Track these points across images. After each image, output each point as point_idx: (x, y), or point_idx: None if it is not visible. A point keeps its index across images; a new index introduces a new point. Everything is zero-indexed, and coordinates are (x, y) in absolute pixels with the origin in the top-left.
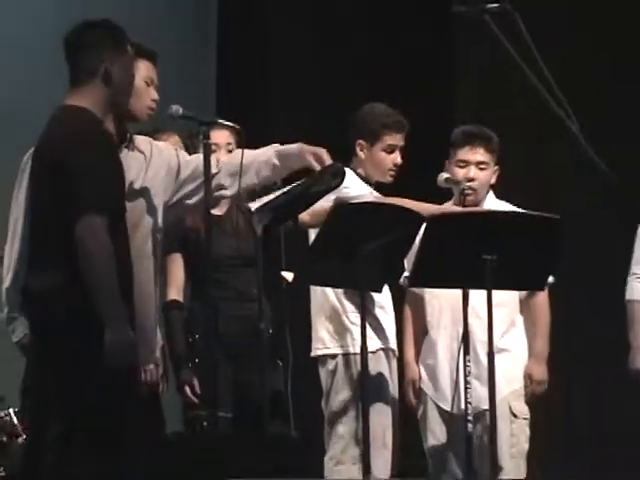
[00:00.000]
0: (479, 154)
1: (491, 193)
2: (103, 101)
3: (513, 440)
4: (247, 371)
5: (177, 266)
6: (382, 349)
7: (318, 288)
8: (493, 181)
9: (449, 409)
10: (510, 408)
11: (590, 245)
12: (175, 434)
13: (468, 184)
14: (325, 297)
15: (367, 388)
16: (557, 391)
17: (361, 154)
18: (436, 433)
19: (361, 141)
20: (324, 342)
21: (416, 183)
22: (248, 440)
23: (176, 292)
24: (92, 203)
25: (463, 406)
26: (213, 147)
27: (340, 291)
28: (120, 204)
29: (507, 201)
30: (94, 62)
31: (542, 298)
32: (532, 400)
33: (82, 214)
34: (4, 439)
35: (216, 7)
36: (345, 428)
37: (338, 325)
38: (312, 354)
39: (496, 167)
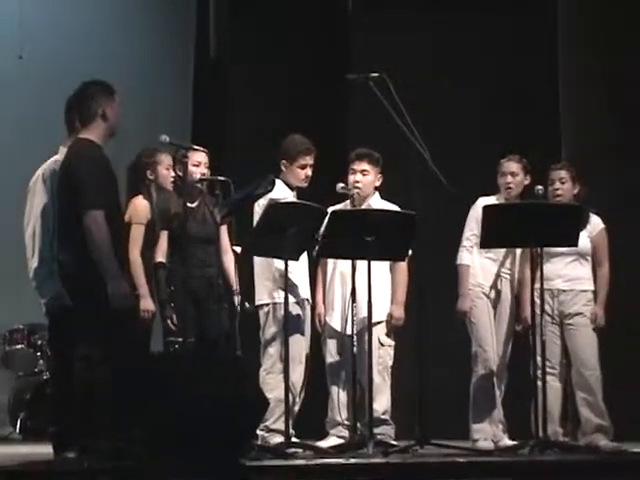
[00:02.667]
0: (363, 165)
1: (377, 194)
2: (102, 133)
3: (380, 360)
4: (206, 312)
5: (164, 239)
6: (300, 300)
7: (258, 258)
8: (377, 184)
9: (339, 329)
10: (379, 339)
11: (435, 230)
12: (158, 352)
13: (355, 190)
14: (264, 264)
15: (288, 326)
16: (411, 325)
17: (284, 169)
18: (332, 352)
19: (284, 161)
20: (262, 294)
21: (323, 189)
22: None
23: (162, 257)
24: (93, 202)
25: (348, 329)
26: (196, 163)
27: (272, 260)
28: (113, 201)
29: (388, 200)
30: (95, 108)
31: (402, 265)
32: (394, 331)
33: (87, 210)
34: None
35: (193, 58)
36: (274, 350)
37: (271, 283)
38: (255, 303)
39: (379, 175)
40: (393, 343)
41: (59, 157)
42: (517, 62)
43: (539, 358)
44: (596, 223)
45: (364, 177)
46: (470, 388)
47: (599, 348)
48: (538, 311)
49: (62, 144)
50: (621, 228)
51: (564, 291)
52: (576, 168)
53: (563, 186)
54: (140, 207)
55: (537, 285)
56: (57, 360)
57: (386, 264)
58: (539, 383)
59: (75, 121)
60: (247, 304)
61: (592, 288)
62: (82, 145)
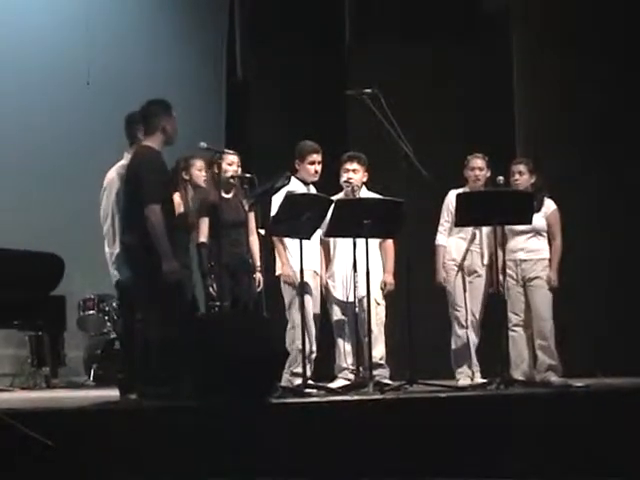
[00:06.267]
0: (353, 165)
1: (364, 187)
2: (161, 142)
3: (377, 316)
4: (239, 282)
5: (205, 224)
6: (309, 270)
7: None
8: (364, 180)
9: (341, 298)
10: (375, 300)
11: (417, 215)
12: (201, 314)
13: (353, 183)
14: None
15: (303, 291)
16: (401, 291)
17: (298, 167)
18: (336, 312)
19: (297, 160)
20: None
21: (330, 183)
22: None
23: (203, 238)
24: (152, 196)
25: (350, 297)
26: (230, 163)
27: (288, 239)
28: (168, 195)
29: (375, 192)
30: (157, 122)
31: (389, 242)
32: (387, 294)
33: (147, 203)
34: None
35: (225, 80)
36: (293, 310)
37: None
38: (276, 273)
39: (365, 172)
40: (385, 303)
41: (125, 162)
42: (478, 77)
43: (510, 314)
44: (549, 205)
45: (355, 175)
46: (451, 341)
47: (553, 304)
48: (507, 277)
49: (126, 151)
50: (570, 208)
51: (525, 260)
52: (533, 162)
53: (521, 177)
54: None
55: (504, 256)
56: (124, 323)
57: (377, 242)
58: (511, 333)
59: (136, 133)
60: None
61: (548, 257)
62: (145, 151)
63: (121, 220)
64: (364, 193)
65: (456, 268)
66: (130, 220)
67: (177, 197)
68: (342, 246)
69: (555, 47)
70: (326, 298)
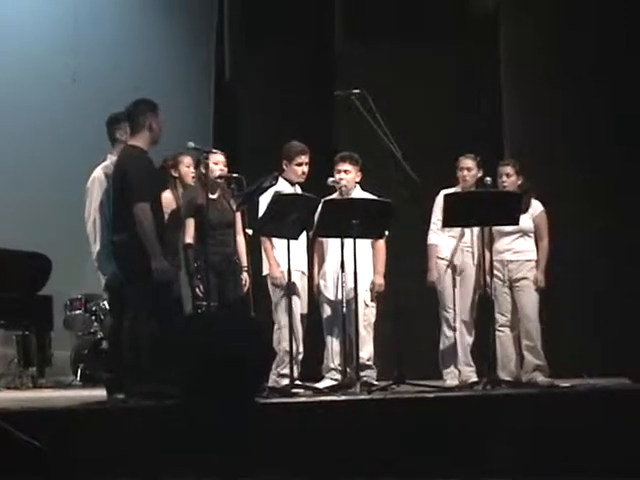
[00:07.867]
0: (345, 165)
1: (358, 187)
2: (148, 141)
3: (365, 317)
4: (226, 282)
5: (191, 225)
6: (297, 270)
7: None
8: (358, 180)
9: (332, 298)
10: (364, 301)
11: (406, 217)
12: (188, 313)
13: (342, 184)
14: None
15: (290, 291)
16: (390, 292)
17: (285, 168)
18: (326, 311)
19: (285, 161)
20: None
21: (317, 183)
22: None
23: (190, 239)
24: (140, 195)
25: (339, 296)
26: (215, 162)
27: (276, 239)
28: (156, 194)
29: (368, 192)
30: (143, 120)
31: (381, 242)
32: (377, 295)
33: (136, 202)
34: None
35: (214, 81)
36: (280, 311)
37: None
38: (263, 273)
39: (359, 173)
40: (375, 304)
41: (108, 163)
42: (467, 79)
43: (497, 314)
44: (536, 206)
45: (347, 175)
46: (439, 341)
47: (540, 305)
48: (494, 278)
49: (109, 152)
50: (557, 209)
51: (512, 261)
52: (520, 164)
53: (509, 179)
54: (165, 199)
55: (491, 257)
56: (113, 323)
57: (368, 242)
58: (498, 333)
59: (115, 132)
60: None
61: (535, 258)
62: (132, 151)
63: (111, 219)
64: (358, 193)
65: (447, 268)
66: (119, 219)
67: (169, 194)
68: (334, 246)
69: (544, 49)
70: (317, 297)
